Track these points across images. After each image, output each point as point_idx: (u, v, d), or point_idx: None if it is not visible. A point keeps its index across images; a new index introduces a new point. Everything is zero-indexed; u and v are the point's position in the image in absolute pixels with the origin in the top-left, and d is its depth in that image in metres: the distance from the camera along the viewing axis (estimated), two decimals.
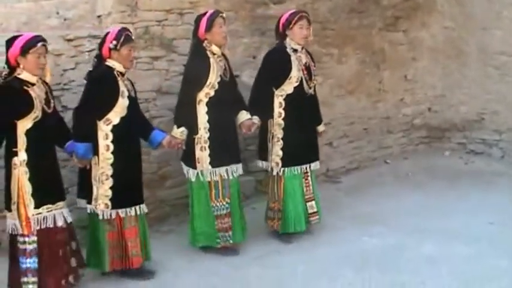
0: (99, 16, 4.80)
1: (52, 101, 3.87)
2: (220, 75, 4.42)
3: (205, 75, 4.36)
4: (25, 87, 3.73)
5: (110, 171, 4.06)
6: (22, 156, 3.74)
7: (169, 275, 4.22)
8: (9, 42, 3.80)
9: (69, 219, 3.93)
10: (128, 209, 4.12)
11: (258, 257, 4.46)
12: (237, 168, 4.54)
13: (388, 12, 6.66)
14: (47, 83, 3.91)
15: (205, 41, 4.42)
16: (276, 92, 4.66)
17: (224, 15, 4.48)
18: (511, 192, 5.57)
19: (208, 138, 4.41)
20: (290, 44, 4.66)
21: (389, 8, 6.65)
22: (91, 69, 4.19)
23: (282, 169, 4.67)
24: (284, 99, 4.66)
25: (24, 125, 3.73)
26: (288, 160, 4.66)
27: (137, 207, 4.16)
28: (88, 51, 4.72)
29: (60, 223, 3.87)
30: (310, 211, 4.76)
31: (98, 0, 4.92)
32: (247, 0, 5.53)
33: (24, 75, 3.76)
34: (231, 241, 4.51)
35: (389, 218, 5.01)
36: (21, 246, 3.81)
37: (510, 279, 3.89)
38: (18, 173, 3.75)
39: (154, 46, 4.99)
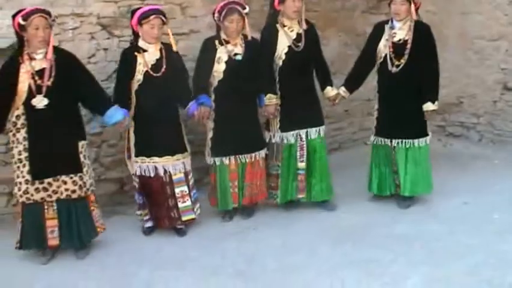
0: None
1: (164, 66, 4.31)
2: (289, 46, 4.65)
3: (273, 46, 4.66)
4: (136, 53, 4.30)
5: (212, 125, 4.62)
6: (132, 111, 4.36)
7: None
8: (132, 13, 4.37)
9: (173, 171, 4.42)
10: (223, 158, 4.64)
11: (236, 233, 4.58)
12: (309, 132, 4.85)
13: None
14: (168, 51, 4.36)
15: (279, 12, 4.65)
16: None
17: None
18: (486, 173, 5.71)
19: (280, 105, 4.70)
20: (392, 18, 4.79)
21: None
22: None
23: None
24: (377, 75, 4.92)
25: (133, 85, 4.34)
26: (379, 132, 4.98)
27: (232, 157, 4.64)
28: (71, 29, 4.74)
29: (151, 174, 4.39)
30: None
31: None
32: None
33: (140, 43, 4.34)
34: (278, 200, 4.86)
35: (364, 196, 5.14)
36: (134, 183, 4.55)
37: (480, 256, 4.02)
38: (130, 125, 4.38)
39: None
